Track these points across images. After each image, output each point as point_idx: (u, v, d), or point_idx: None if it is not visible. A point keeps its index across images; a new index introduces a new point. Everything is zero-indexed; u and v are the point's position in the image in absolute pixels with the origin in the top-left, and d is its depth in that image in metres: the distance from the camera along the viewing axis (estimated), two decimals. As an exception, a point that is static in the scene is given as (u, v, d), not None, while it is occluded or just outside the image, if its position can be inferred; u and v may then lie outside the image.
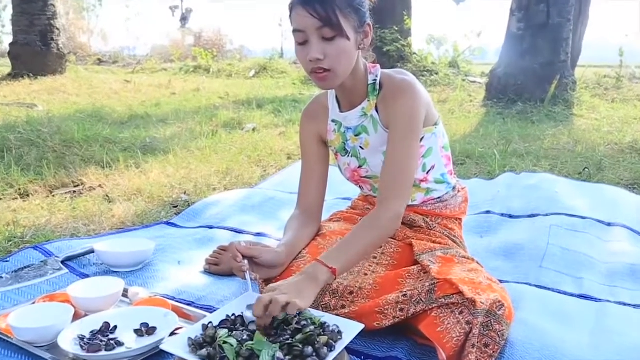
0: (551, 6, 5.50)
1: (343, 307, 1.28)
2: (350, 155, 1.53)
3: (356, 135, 1.49)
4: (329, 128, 1.55)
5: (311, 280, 1.20)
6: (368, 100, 1.44)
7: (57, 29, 7.42)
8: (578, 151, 3.45)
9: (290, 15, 1.33)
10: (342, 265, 1.25)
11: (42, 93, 5.93)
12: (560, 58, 5.56)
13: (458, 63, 8.73)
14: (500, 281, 1.56)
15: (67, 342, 1.17)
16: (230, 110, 5.13)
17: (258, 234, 2.01)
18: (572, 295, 1.55)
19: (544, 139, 3.91)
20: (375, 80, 1.44)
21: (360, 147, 1.49)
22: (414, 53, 8.41)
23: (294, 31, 1.32)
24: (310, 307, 1.25)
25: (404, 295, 1.22)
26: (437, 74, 7.82)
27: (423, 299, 1.20)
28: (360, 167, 1.51)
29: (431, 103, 1.46)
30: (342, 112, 1.50)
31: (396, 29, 7.94)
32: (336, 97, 1.52)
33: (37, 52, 7.15)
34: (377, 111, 1.43)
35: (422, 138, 1.44)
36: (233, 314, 1.21)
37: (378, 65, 1.46)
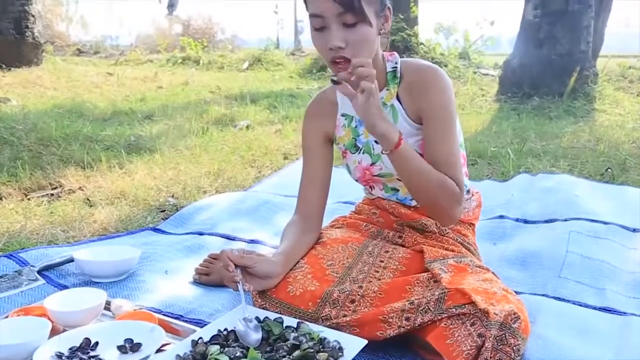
0: (570, -9, 5.51)
1: (344, 316, 1.28)
2: (362, 151, 1.53)
3: None
4: (338, 123, 1.56)
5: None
6: (387, 89, 1.45)
7: (33, 16, 7.41)
8: (600, 150, 3.45)
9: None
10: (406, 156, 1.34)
11: (16, 86, 5.92)
12: (580, 48, 5.56)
13: (469, 54, 8.75)
14: (516, 292, 1.57)
15: (44, 360, 1.16)
16: (221, 105, 5.13)
17: (252, 241, 2.01)
18: (593, 308, 1.55)
19: (562, 137, 3.91)
20: (395, 68, 1.46)
21: (375, 142, 1.49)
22: (421, 43, 8.42)
23: (312, 16, 1.32)
24: (309, 321, 1.25)
25: (411, 303, 1.22)
26: (446, 65, 7.82)
27: (431, 308, 1.20)
28: (373, 164, 1.52)
29: None
30: None
31: (401, 17, 7.94)
32: None
33: (10, 41, 7.13)
34: (399, 101, 1.44)
35: None
36: (225, 329, 1.21)
37: (395, 53, 1.48)
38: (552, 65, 5.56)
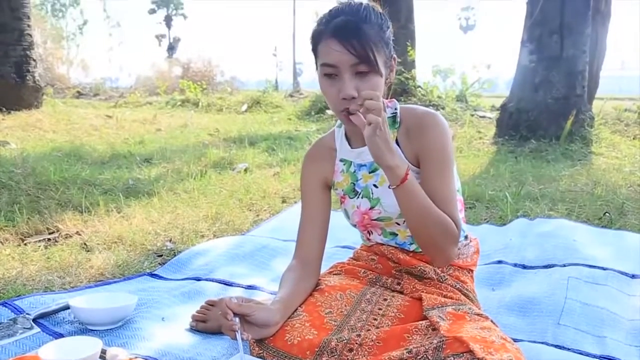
0: (565, 37, 5.64)
1: (343, 364, 1.27)
2: (360, 196, 1.55)
3: (371, 172, 1.53)
4: (336, 169, 1.59)
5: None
6: None
7: (34, 59, 7.55)
8: (597, 194, 3.48)
9: (316, 46, 1.39)
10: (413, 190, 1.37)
11: (16, 129, 5.99)
12: (576, 92, 5.67)
13: (466, 96, 8.88)
14: (514, 340, 1.56)
15: (38, 412, 1.15)
16: (220, 148, 5.18)
17: (249, 287, 2.01)
18: (594, 356, 1.54)
19: (560, 180, 3.95)
20: (394, 113, 1.50)
21: (374, 186, 1.52)
22: (419, 86, 8.56)
23: (323, 64, 1.37)
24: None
25: (409, 352, 1.22)
26: (443, 108, 7.94)
27: (430, 357, 1.20)
28: (371, 208, 1.54)
29: None
30: (353, 148, 1.54)
31: (399, 60, 8.08)
32: (345, 134, 1.56)
33: (11, 85, 7.25)
34: (398, 145, 1.48)
35: None
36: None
37: (395, 100, 1.53)
38: (548, 109, 5.65)
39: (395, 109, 1.51)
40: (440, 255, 1.46)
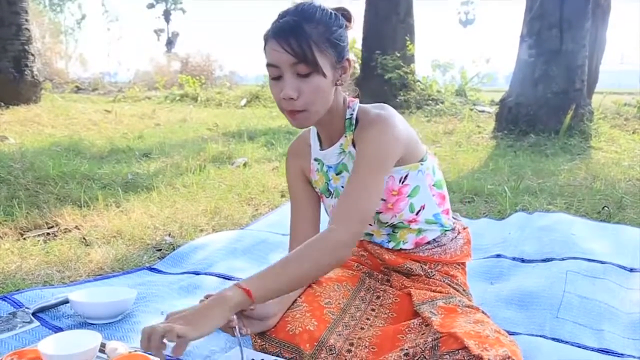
0: (564, 31, 5.63)
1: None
2: (333, 196, 1.55)
3: (337, 174, 1.52)
4: (312, 167, 1.58)
5: (217, 304, 1.15)
6: (345, 136, 1.48)
7: (32, 54, 7.54)
8: (596, 188, 3.48)
9: (264, 48, 1.36)
10: (262, 290, 1.20)
11: (14, 124, 5.98)
12: (575, 86, 5.66)
13: (465, 91, 8.88)
14: (513, 333, 1.58)
15: (38, 405, 1.16)
16: (219, 143, 5.18)
17: (248, 281, 2.01)
18: (592, 349, 1.55)
19: (559, 175, 3.95)
20: (352, 114, 1.47)
21: (342, 187, 1.51)
22: (418, 80, 8.56)
23: (268, 65, 1.34)
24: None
25: (406, 354, 1.23)
26: (442, 102, 7.94)
27: (427, 357, 1.21)
28: None
29: (416, 138, 1.49)
30: (322, 149, 1.53)
31: (398, 55, 8.10)
32: (317, 133, 1.56)
33: (9, 79, 7.24)
34: (354, 147, 1.46)
35: (406, 176, 1.47)
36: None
37: (357, 100, 1.50)
38: (547, 104, 5.65)
39: (354, 110, 1.47)
40: (335, 262, 1.32)
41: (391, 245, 1.55)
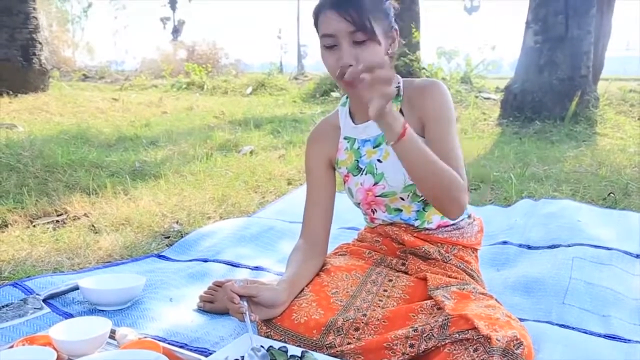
0: (570, 17, 5.57)
1: (349, 344, 1.28)
2: (364, 172, 1.54)
3: (375, 147, 1.52)
4: (340, 147, 1.59)
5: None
6: None
7: (40, 42, 7.52)
8: (602, 174, 3.46)
9: (316, 20, 1.40)
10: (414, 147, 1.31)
11: (23, 112, 5.98)
12: (580, 72, 5.61)
13: (471, 78, 8.81)
14: (520, 319, 1.56)
15: (49, 390, 1.16)
16: (225, 131, 5.17)
17: (256, 268, 2.02)
18: (598, 335, 1.55)
19: (564, 161, 3.93)
20: (398, 86, 1.49)
21: (378, 161, 1.52)
22: (423, 68, 8.50)
23: (323, 36, 1.38)
24: (313, 349, 1.25)
25: (415, 330, 1.23)
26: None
27: (435, 335, 1.20)
28: (376, 184, 1.53)
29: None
30: (356, 125, 1.53)
31: (403, 42, 8.02)
32: (349, 111, 1.55)
33: (17, 68, 7.23)
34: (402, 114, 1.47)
35: None
36: (226, 357, 1.21)
37: (397, 74, 1.50)
38: (553, 90, 5.60)
39: (399, 82, 1.51)
40: (453, 205, 1.39)
41: (417, 223, 1.55)
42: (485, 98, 7.61)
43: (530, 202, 2.80)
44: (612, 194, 2.96)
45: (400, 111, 1.48)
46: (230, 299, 1.32)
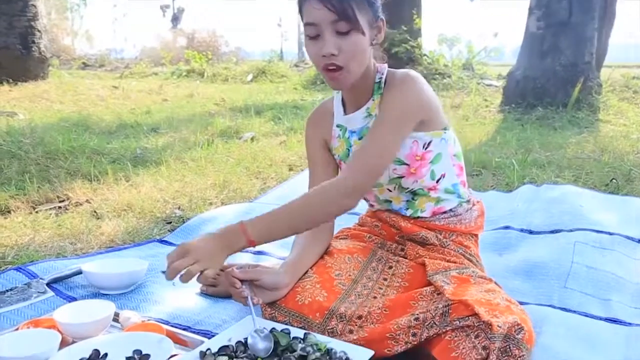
0: (573, 3, 5.54)
1: (350, 332, 1.29)
2: None
3: (360, 139, 1.52)
4: (333, 134, 1.59)
5: (224, 247, 1.29)
6: (373, 100, 1.48)
7: (39, 30, 7.49)
8: (605, 160, 3.46)
9: (301, 8, 1.38)
10: (266, 238, 1.34)
11: (23, 100, 5.98)
12: (584, 59, 5.59)
13: (472, 65, 8.79)
14: (521, 303, 1.57)
15: (54, 372, 1.18)
16: (226, 117, 5.16)
17: (258, 252, 2.02)
18: (599, 318, 1.56)
19: (566, 147, 3.92)
20: (381, 78, 1.48)
21: None
22: (425, 54, 8.47)
23: (306, 24, 1.36)
24: (315, 332, 1.26)
25: (416, 319, 1.24)
26: (449, 76, 7.86)
27: (437, 322, 1.21)
28: None
29: (439, 106, 1.51)
30: (346, 114, 1.53)
31: (405, 29, 8.00)
32: (342, 99, 1.55)
33: (16, 56, 7.21)
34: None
35: (430, 142, 1.48)
36: (230, 339, 1.23)
37: (386, 64, 1.50)
38: (555, 76, 5.58)
39: (383, 73, 1.49)
40: (340, 212, 1.39)
41: (409, 212, 1.55)
42: (487, 85, 7.59)
43: (532, 187, 2.80)
44: (614, 180, 2.96)
45: (380, 105, 1.46)
46: (232, 284, 1.34)
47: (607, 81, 6.36)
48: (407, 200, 1.54)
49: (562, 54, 5.57)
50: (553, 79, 5.59)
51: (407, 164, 1.47)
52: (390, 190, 1.53)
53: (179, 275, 1.24)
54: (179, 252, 1.26)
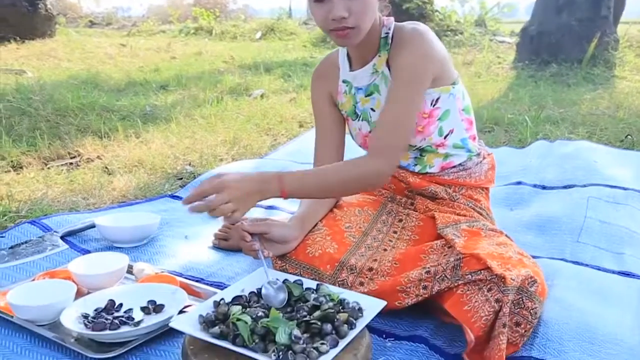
0: (591, -45, 5.38)
1: (361, 284, 1.29)
2: (360, 119, 1.53)
3: (367, 96, 1.49)
4: (339, 89, 1.55)
5: (258, 192, 1.26)
6: (379, 56, 1.44)
7: (45, -13, 7.40)
8: (620, 117, 3.41)
9: None
10: (297, 194, 1.30)
11: (31, 58, 5.94)
12: (601, 13, 5.45)
13: (485, 21, 8.62)
14: (533, 257, 1.57)
15: (70, 321, 1.19)
16: (235, 75, 5.12)
17: (269, 207, 2.03)
18: (612, 272, 1.55)
19: (581, 104, 3.87)
20: (387, 33, 1.43)
21: (372, 109, 1.49)
22: (436, 10, 8.30)
23: None
24: (327, 283, 1.27)
25: (427, 272, 1.23)
26: (461, 33, 7.72)
27: (448, 276, 1.21)
28: (371, 131, 1.51)
29: (448, 60, 1.45)
30: (352, 70, 1.50)
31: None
32: (347, 54, 1.52)
33: (23, 13, 7.13)
34: (388, 67, 1.43)
35: (438, 99, 1.44)
36: (243, 290, 1.24)
37: (392, 18, 1.45)
38: (571, 32, 5.45)
39: (389, 28, 1.43)
40: (376, 185, 1.42)
41: (417, 168, 1.53)
42: (499, 42, 7.45)
43: (545, 143, 2.77)
44: (629, 136, 2.92)
45: (387, 62, 1.42)
46: (242, 237, 1.33)
47: (624, 37, 6.22)
48: (415, 157, 1.52)
49: (578, 9, 5.43)
50: (568, 35, 5.47)
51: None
52: None
53: (194, 212, 1.23)
54: (215, 186, 1.22)
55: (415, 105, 1.37)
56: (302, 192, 1.32)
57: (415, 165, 1.53)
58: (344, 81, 1.54)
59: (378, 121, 1.38)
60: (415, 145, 1.48)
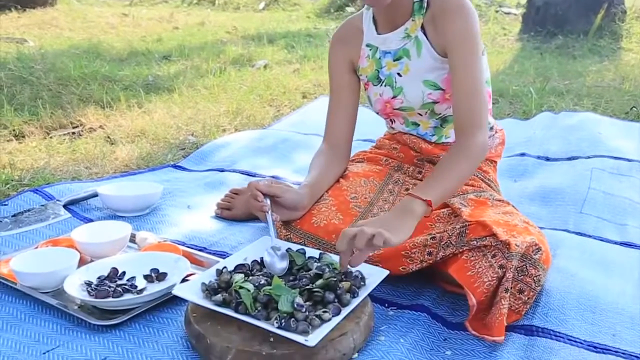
0: None
1: (366, 249, 1.28)
2: (383, 84, 1.50)
3: (395, 60, 1.46)
4: (362, 53, 1.52)
5: (405, 213, 1.17)
6: (412, 20, 1.40)
7: (45, -45, 7.27)
8: (625, 89, 3.37)
9: None
10: (437, 196, 1.22)
11: (32, 27, 5.88)
12: (608, -16, 5.34)
13: (491, -8, 8.47)
14: (537, 227, 1.57)
15: (74, 288, 1.19)
16: (239, 45, 5.06)
17: (272, 177, 2.02)
18: (615, 242, 1.55)
19: (586, 76, 3.82)
20: None
21: (398, 74, 1.46)
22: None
23: None
24: (328, 252, 1.26)
25: (433, 238, 1.23)
26: (467, 4, 7.60)
27: (453, 242, 1.20)
28: (394, 97, 1.49)
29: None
30: (379, 34, 1.47)
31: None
32: (373, 18, 1.48)
33: (24, -19, 7.03)
34: (424, 33, 1.40)
35: None
36: (246, 258, 1.23)
37: None
38: (577, 3, 5.36)
39: None
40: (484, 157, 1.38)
41: (434, 139, 1.53)
42: (505, 13, 7.34)
43: (550, 114, 2.74)
44: (635, 108, 2.89)
45: (422, 27, 1.40)
46: (255, 196, 1.30)
47: (632, 8, 6.10)
48: (435, 127, 1.51)
49: (586, -21, 5.33)
50: (575, 6, 5.37)
51: (442, 89, 1.42)
52: (420, 115, 1.49)
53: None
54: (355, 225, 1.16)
55: (483, 73, 1.37)
56: (445, 196, 1.27)
57: (433, 135, 1.52)
58: (367, 45, 1.51)
59: (456, 96, 1.35)
60: (440, 114, 1.47)
